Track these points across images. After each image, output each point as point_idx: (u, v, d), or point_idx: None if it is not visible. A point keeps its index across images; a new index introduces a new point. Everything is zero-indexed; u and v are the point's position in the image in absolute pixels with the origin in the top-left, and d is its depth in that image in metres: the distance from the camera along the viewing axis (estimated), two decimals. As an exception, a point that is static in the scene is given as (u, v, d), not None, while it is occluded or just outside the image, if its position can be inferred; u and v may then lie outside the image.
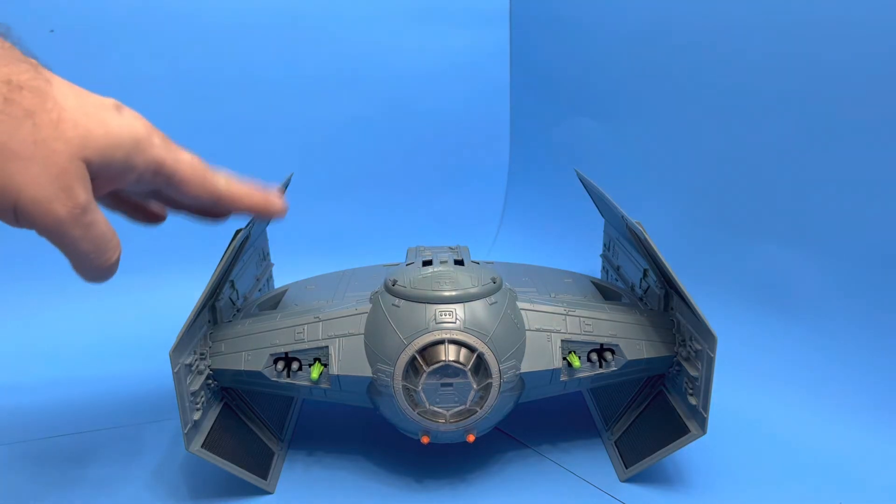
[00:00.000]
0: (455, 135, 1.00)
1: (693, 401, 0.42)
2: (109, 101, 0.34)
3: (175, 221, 0.42)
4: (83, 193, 0.31)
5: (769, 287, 0.66)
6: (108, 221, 0.34)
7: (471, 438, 0.42)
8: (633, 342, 0.45)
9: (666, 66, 0.76)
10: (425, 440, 0.42)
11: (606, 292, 0.56)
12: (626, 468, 0.46)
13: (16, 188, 0.29)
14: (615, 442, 0.49)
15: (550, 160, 0.98)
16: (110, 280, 0.35)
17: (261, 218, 0.43)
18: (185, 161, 0.36)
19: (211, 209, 0.40)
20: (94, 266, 0.34)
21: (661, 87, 0.77)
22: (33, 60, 0.32)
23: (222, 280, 0.47)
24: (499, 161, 1.04)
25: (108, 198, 0.40)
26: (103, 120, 0.32)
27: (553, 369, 0.43)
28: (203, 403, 0.42)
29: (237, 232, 0.46)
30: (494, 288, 0.42)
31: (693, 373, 0.42)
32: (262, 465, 0.45)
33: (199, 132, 0.84)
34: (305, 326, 0.43)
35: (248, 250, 0.55)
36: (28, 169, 0.29)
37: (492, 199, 1.03)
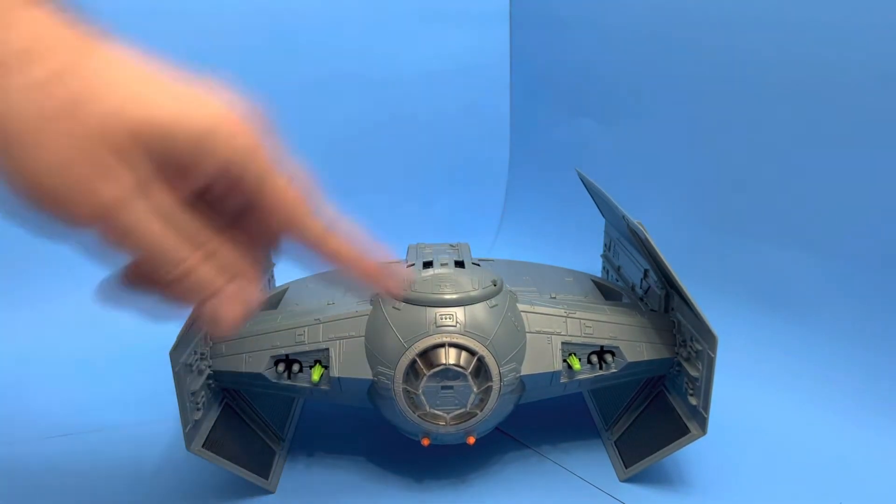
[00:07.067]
0: (456, 134, 1.00)
1: (693, 401, 0.42)
2: (188, 83, 0.27)
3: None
4: (112, 188, 0.23)
5: (770, 287, 0.66)
6: (163, 230, 0.24)
7: (471, 440, 0.42)
8: (634, 344, 0.45)
9: (667, 66, 0.76)
10: (426, 442, 0.42)
11: (607, 291, 0.56)
12: (626, 468, 0.46)
13: (22, 176, 0.23)
14: (615, 442, 0.49)
15: (551, 160, 0.97)
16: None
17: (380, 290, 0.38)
18: (280, 180, 0.27)
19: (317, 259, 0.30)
20: (164, 287, 0.25)
21: (661, 87, 0.77)
22: (81, 27, 0.25)
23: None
24: (499, 161, 1.04)
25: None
26: (155, 99, 0.25)
27: (553, 372, 0.43)
28: (203, 403, 0.42)
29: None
30: (495, 291, 0.42)
31: (694, 373, 0.42)
32: (263, 464, 0.46)
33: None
34: (306, 328, 0.43)
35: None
36: (33, 153, 0.22)
37: (492, 199, 1.03)
